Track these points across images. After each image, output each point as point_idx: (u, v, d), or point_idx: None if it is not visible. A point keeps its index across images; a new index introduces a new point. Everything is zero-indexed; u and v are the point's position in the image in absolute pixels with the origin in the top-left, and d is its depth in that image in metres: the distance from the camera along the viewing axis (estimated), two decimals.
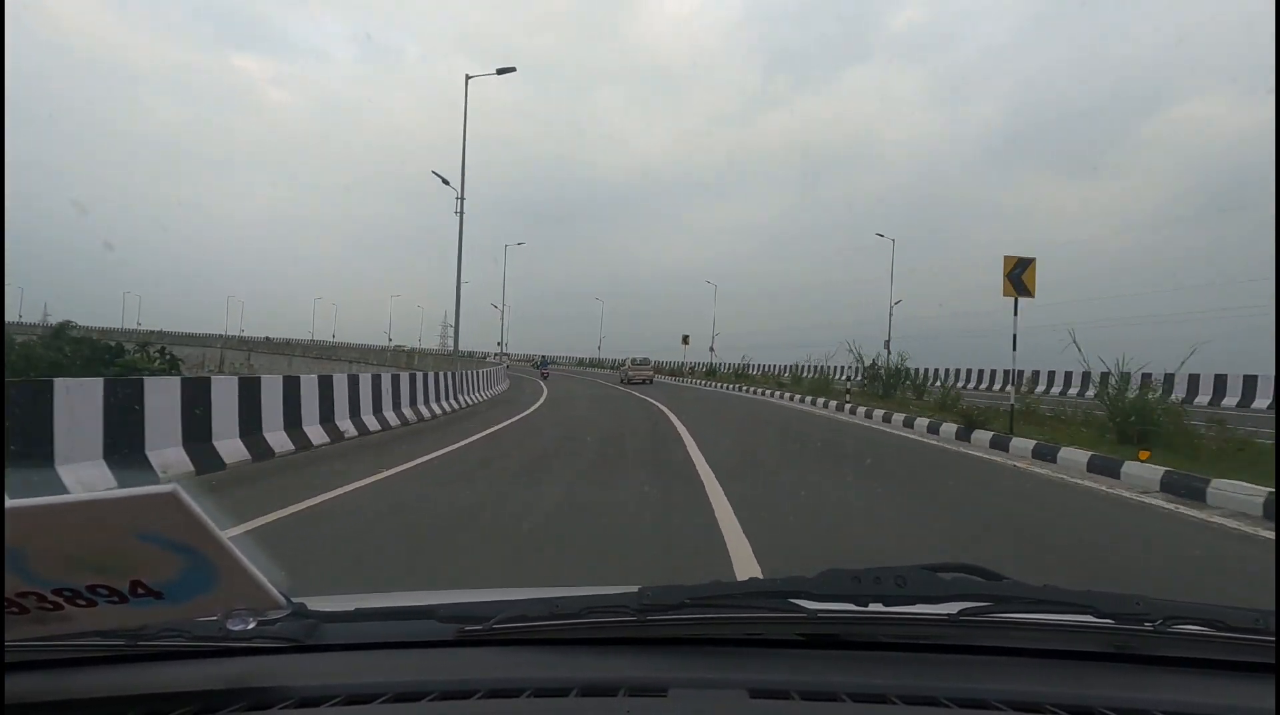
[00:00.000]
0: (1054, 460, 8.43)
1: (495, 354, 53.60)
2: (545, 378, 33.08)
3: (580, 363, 63.86)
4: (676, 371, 48.40)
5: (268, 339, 67.22)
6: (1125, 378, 9.85)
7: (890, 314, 31.85)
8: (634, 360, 36.49)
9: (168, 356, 31.16)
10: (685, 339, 41.72)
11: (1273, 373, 17.11)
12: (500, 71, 20.72)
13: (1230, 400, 19.93)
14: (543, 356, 37.46)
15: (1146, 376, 10.80)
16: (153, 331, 66.05)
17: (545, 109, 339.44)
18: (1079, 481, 7.28)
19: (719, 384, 33.57)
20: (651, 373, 35.28)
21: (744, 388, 29.95)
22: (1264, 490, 5.66)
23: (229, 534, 0.66)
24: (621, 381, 33.78)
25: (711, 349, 43.58)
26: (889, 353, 22.04)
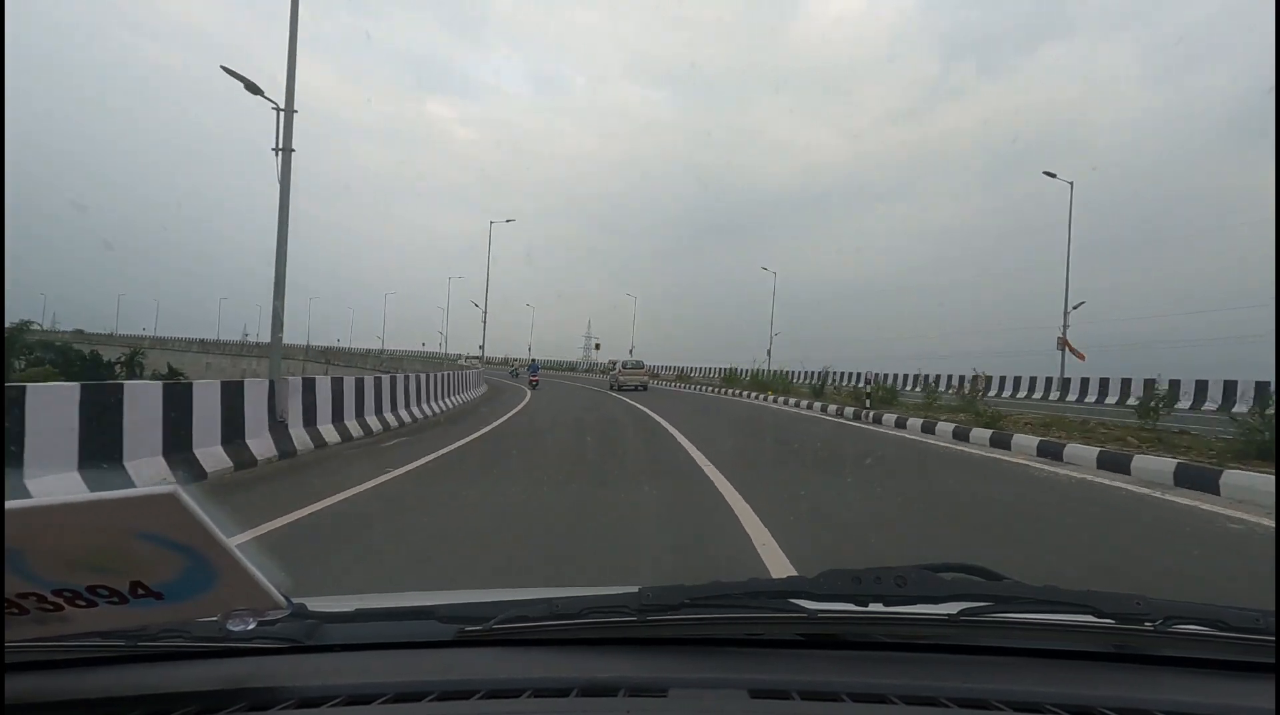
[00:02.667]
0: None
1: (468, 356, 48.68)
2: (534, 386, 26.39)
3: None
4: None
5: (393, 352, 67.45)
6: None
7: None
8: (624, 363, 31.83)
9: (147, 368, 31.73)
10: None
11: None
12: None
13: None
14: (532, 360, 29.75)
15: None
16: (257, 343, 67.40)
17: (708, 121, 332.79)
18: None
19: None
20: (646, 377, 31.00)
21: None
22: None
23: None
24: (611, 387, 29.53)
25: None
26: None
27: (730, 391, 29.12)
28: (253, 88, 11.27)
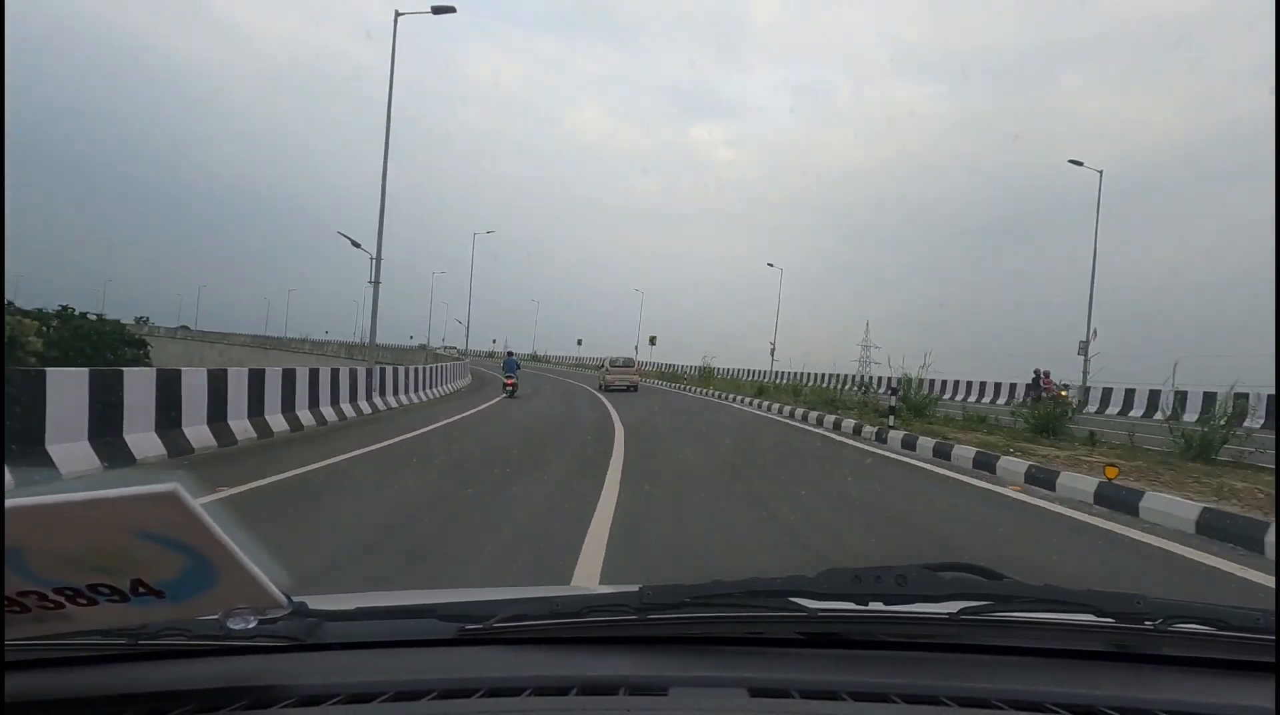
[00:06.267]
0: None
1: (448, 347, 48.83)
2: (512, 392, 20.31)
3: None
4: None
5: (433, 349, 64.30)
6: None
7: None
8: (613, 361, 29.21)
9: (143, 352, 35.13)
10: None
11: None
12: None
13: None
14: (509, 354, 23.54)
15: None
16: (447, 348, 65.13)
17: (992, 110, 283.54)
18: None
19: None
20: (636, 377, 28.74)
21: None
22: None
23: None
24: (599, 386, 27.09)
25: None
26: None
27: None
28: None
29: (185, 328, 78.50)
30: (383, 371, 14.27)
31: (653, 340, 45.93)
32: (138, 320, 75.99)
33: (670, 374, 43.55)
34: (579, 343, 60.67)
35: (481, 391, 21.91)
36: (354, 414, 12.52)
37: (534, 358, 77.85)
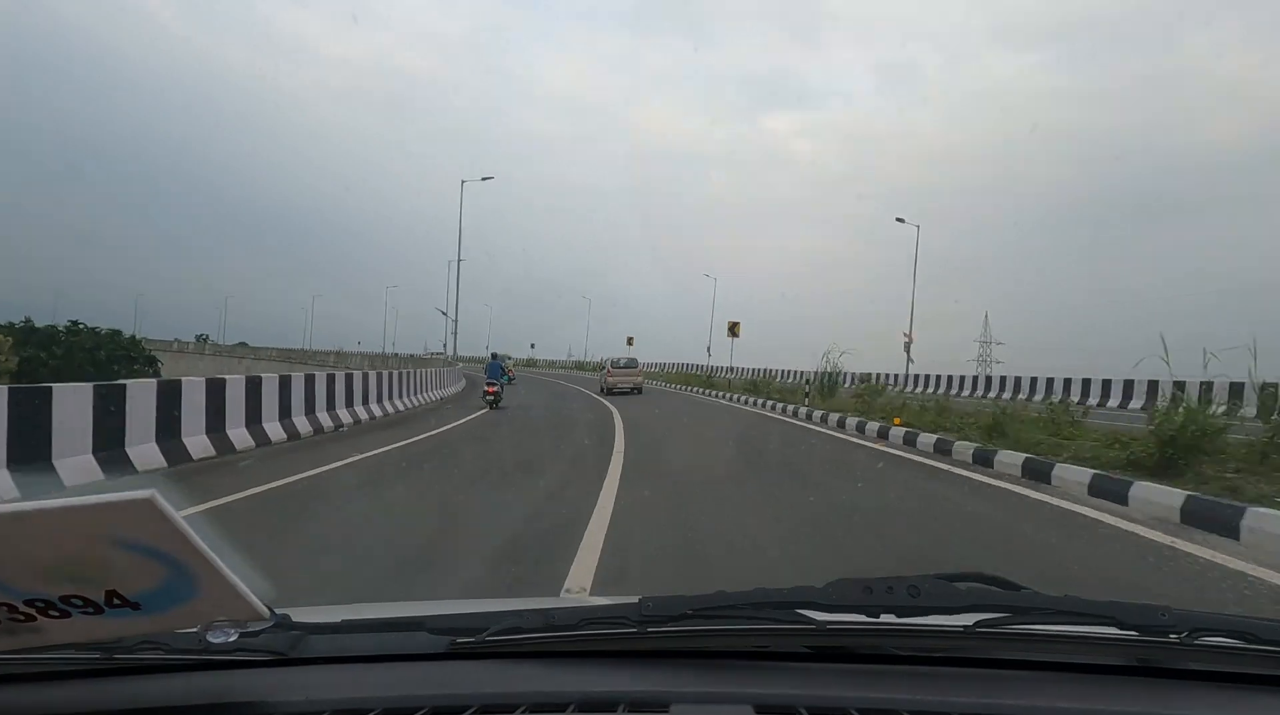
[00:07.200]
0: None
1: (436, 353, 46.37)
2: (494, 401, 17.23)
3: None
4: None
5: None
6: None
7: None
8: (614, 362, 28.38)
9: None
10: None
11: None
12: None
13: None
14: (492, 355, 21.08)
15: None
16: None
17: (1108, 78, 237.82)
18: None
19: None
20: (640, 379, 27.81)
21: None
22: None
23: None
24: (601, 390, 26.59)
25: None
26: None
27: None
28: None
29: (244, 344, 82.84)
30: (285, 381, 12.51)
31: (733, 329, 30.28)
32: (199, 338, 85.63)
33: (764, 385, 26.97)
34: (629, 342, 49.34)
35: (457, 406, 19.08)
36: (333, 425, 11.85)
37: (580, 366, 72.47)
